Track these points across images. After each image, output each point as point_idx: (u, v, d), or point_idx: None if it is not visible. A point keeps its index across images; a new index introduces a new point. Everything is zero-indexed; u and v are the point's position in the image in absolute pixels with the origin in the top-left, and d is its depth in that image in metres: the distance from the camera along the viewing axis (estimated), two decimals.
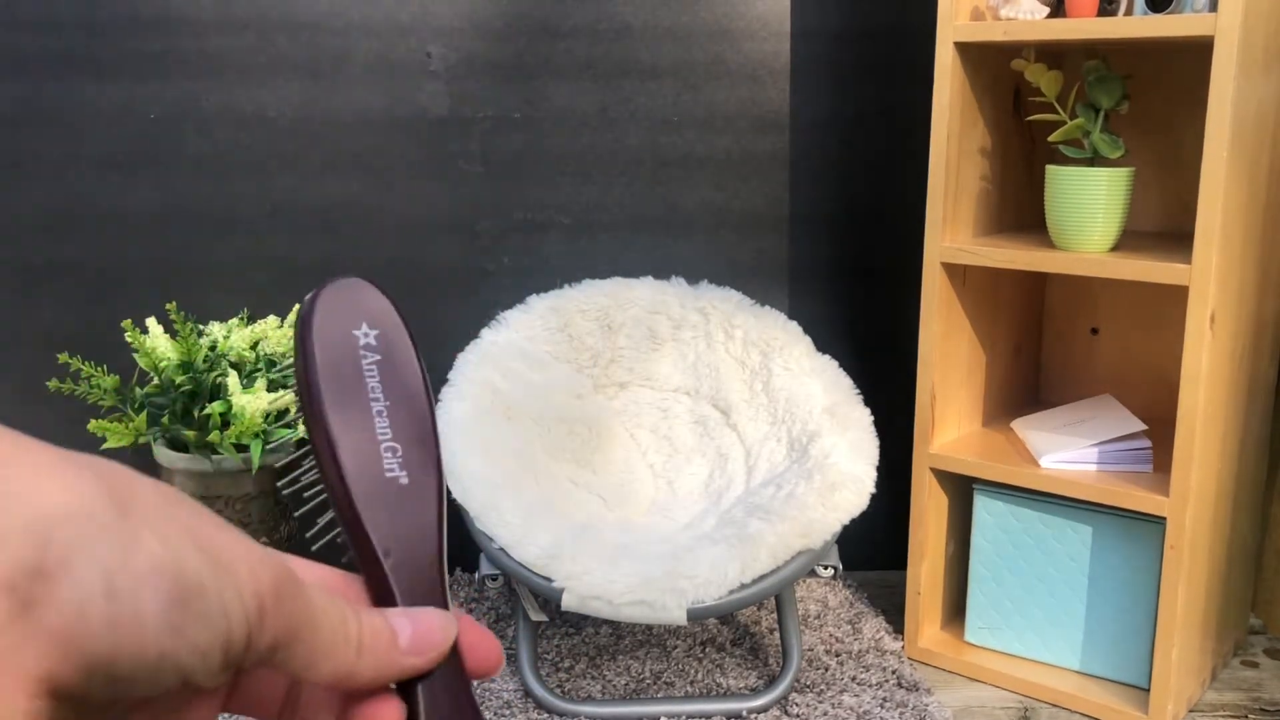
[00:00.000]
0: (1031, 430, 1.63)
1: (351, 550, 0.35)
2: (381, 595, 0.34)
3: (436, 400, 1.56)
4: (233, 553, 0.26)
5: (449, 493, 1.49)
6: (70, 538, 0.23)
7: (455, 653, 0.34)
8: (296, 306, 0.36)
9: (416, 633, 0.32)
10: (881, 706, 1.49)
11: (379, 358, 0.36)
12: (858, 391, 1.62)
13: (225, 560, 0.26)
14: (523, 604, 1.51)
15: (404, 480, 0.35)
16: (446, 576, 0.35)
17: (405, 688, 0.33)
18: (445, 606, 0.34)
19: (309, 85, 1.76)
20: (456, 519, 1.52)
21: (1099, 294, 1.78)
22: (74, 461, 0.25)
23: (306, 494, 1.53)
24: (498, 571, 1.47)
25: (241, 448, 1.62)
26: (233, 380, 1.57)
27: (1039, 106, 1.56)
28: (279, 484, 1.63)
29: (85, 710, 0.24)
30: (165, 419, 1.62)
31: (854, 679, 1.56)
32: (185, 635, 0.25)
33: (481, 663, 0.35)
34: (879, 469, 1.52)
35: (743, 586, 1.38)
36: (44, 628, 0.23)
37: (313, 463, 0.34)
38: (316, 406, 0.34)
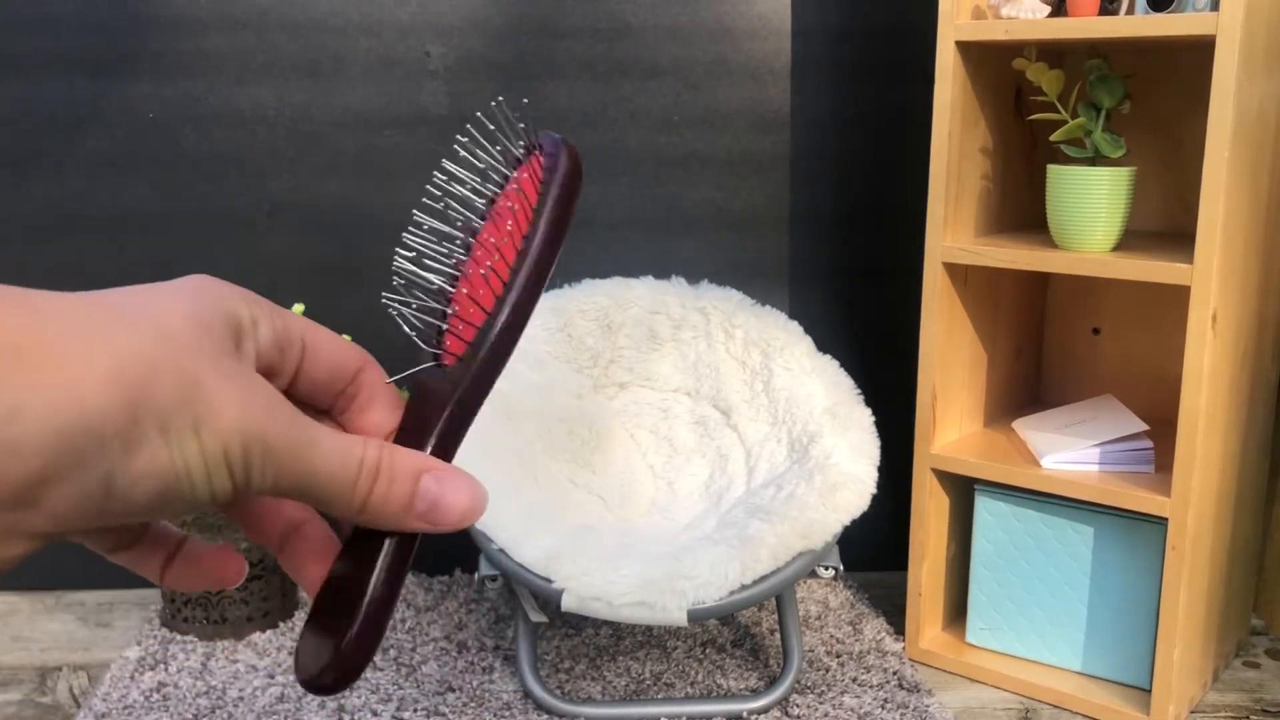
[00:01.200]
0: (1033, 430, 1.63)
1: (461, 388, 0.35)
2: (444, 441, 0.35)
3: None
4: (231, 420, 0.29)
5: None
6: (84, 446, 0.27)
7: None
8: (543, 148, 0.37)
9: (442, 503, 0.34)
10: (882, 708, 1.49)
11: (559, 245, 0.37)
12: (859, 392, 1.61)
13: (220, 435, 0.29)
14: (522, 605, 1.50)
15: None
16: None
17: (372, 532, 0.35)
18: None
19: (308, 85, 1.76)
20: None
21: (1101, 294, 1.78)
22: (103, 349, 0.28)
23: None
24: (497, 572, 1.47)
25: None
26: None
27: (1040, 106, 1.56)
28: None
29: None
30: None
31: (855, 680, 1.56)
32: (164, 514, 0.29)
33: None
34: (880, 469, 1.52)
35: (743, 587, 1.38)
36: (46, 514, 0.27)
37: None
38: (548, 251, 0.36)
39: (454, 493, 0.34)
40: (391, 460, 0.33)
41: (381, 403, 0.37)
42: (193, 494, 0.29)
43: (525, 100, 1.80)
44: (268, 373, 0.34)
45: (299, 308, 1.67)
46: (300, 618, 1.72)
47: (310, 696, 1.50)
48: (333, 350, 0.36)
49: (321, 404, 0.37)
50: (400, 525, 0.34)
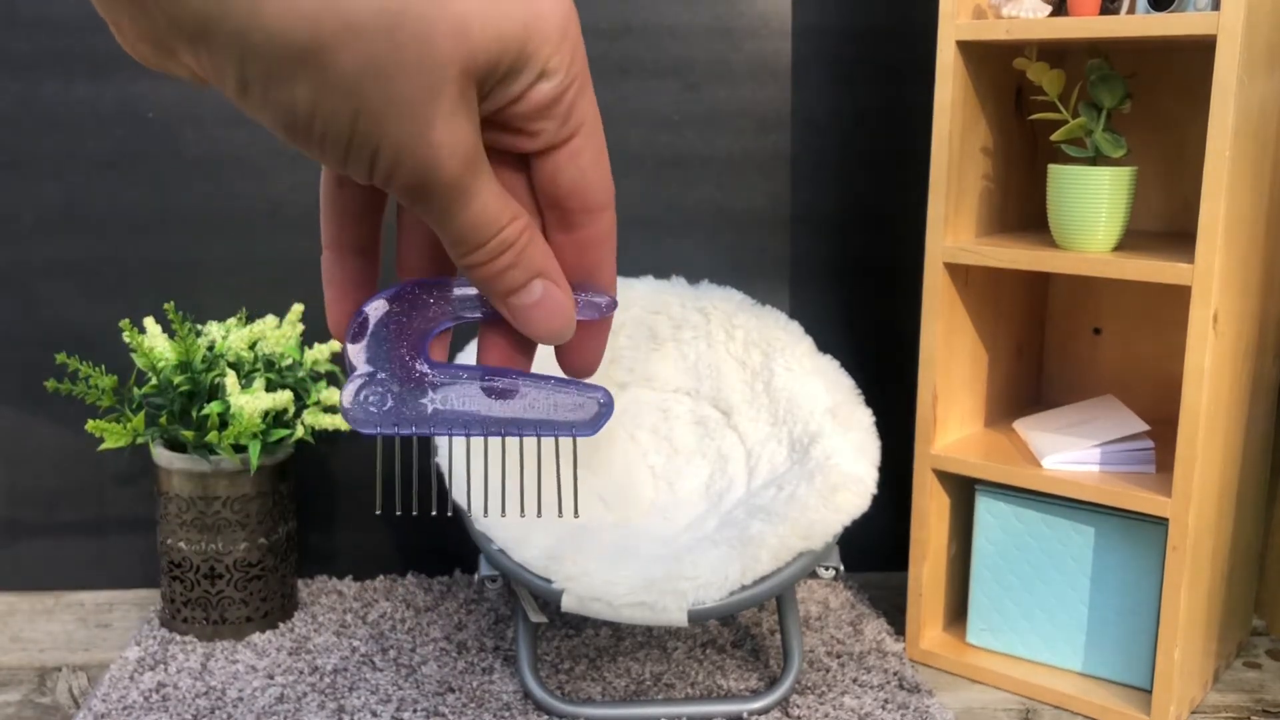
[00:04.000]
0: (1034, 431, 1.63)
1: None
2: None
3: None
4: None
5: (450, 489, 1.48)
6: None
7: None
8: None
9: (535, 315, 0.35)
10: (883, 708, 1.48)
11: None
12: (859, 392, 1.61)
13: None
14: (522, 605, 1.50)
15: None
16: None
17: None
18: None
19: None
20: (456, 520, 1.51)
21: (1102, 294, 1.77)
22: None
23: None
24: (497, 573, 1.47)
25: (240, 448, 1.62)
26: (231, 380, 1.56)
27: (1041, 105, 1.55)
28: None
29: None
30: (163, 419, 1.61)
31: (855, 681, 1.56)
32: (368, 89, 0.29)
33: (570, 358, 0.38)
34: (881, 470, 1.51)
35: (743, 588, 1.38)
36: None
37: None
38: None
39: (552, 305, 0.35)
40: (525, 248, 0.34)
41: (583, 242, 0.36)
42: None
43: None
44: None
45: (299, 308, 1.67)
46: (300, 618, 1.72)
47: (310, 697, 1.50)
48: (580, 181, 0.35)
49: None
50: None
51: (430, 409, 0.37)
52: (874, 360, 1.85)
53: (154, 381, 1.61)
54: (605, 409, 0.38)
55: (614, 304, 0.38)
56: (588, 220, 0.35)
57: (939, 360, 1.59)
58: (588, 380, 0.38)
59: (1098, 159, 1.50)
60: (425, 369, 0.37)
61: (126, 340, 1.61)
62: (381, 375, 0.37)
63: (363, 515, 1.89)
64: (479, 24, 0.30)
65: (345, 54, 0.28)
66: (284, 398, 1.58)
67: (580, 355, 0.38)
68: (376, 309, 0.37)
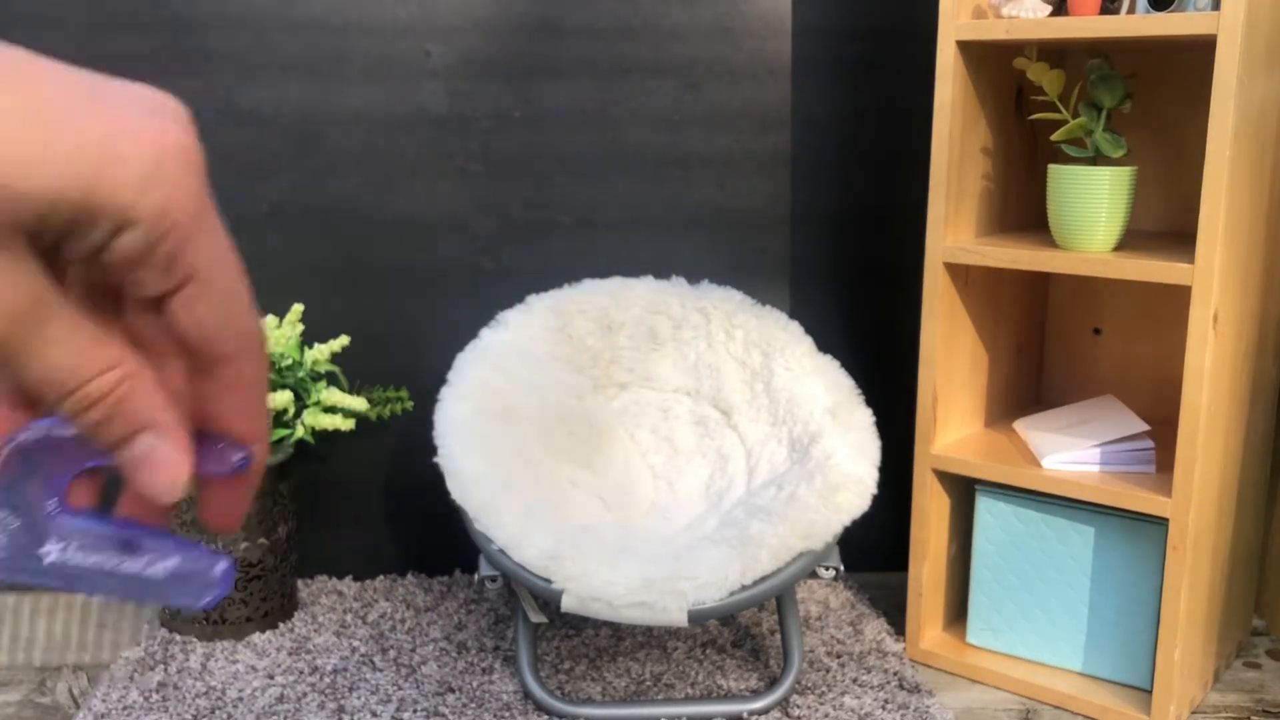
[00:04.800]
0: (1034, 431, 1.63)
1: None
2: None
3: (437, 400, 1.56)
4: None
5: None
6: None
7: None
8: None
9: (139, 474, 0.32)
10: (883, 708, 1.48)
11: None
12: (859, 392, 1.61)
13: None
14: (522, 605, 1.50)
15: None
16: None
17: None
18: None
19: (308, 84, 1.75)
20: (456, 520, 1.51)
21: (1102, 294, 1.77)
22: None
23: None
24: (497, 573, 1.47)
25: None
26: None
27: (1041, 105, 1.55)
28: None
29: None
30: None
31: (855, 681, 1.56)
32: None
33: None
34: (881, 470, 1.51)
35: (743, 588, 1.38)
36: None
37: None
38: None
39: (158, 462, 0.32)
40: (122, 400, 0.31)
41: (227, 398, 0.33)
42: None
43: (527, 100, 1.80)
44: None
45: (299, 308, 1.67)
46: (300, 618, 1.72)
47: (310, 697, 1.50)
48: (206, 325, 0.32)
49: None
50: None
51: (46, 561, 0.34)
52: (874, 360, 1.85)
53: None
54: (223, 580, 0.35)
55: (249, 460, 0.34)
56: (219, 368, 0.33)
57: (939, 360, 1.59)
58: (224, 540, 0.35)
59: (1098, 159, 1.50)
60: (55, 512, 0.34)
61: None
62: (3, 514, 0.34)
63: (363, 515, 1.89)
64: (20, 175, 0.27)
65: None
66: (284, 398, 1.58)
67: (215, 511, 0.35)
68: (9, 444, 0.33)
